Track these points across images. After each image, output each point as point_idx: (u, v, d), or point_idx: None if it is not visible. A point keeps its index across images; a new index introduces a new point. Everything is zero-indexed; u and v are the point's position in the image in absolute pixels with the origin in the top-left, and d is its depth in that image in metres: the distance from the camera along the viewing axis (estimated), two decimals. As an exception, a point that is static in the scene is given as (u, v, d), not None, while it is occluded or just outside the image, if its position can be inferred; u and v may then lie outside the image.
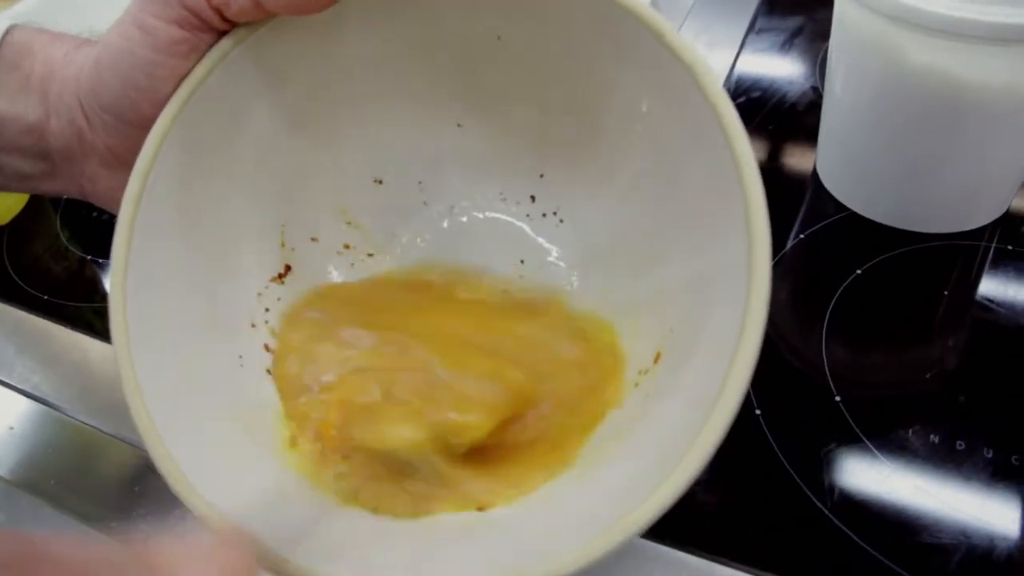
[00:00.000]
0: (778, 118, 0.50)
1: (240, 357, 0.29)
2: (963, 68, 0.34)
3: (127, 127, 0.27)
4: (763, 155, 0.48)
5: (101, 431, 0.39)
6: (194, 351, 0.27)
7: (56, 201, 0.54)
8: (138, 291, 0.25)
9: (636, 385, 0.29)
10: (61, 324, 0.44)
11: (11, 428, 0.39)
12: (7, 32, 0.27)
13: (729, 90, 0.53)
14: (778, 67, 0.54)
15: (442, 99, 0.33)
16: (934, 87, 0.35)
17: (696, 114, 0.25)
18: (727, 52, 0.56)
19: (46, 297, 0.46)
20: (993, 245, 0.40)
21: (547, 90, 0.31)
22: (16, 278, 0.48)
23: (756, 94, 0.52)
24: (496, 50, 0.30)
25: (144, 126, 0.26)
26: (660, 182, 0.29)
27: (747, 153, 0.23)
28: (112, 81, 0.26)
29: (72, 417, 0.39)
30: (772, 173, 0.47)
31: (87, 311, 0.46)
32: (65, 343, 0.43)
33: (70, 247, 0.50)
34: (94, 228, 0.51)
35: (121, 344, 0.24)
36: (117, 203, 0.28)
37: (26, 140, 0.28)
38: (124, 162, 0.27)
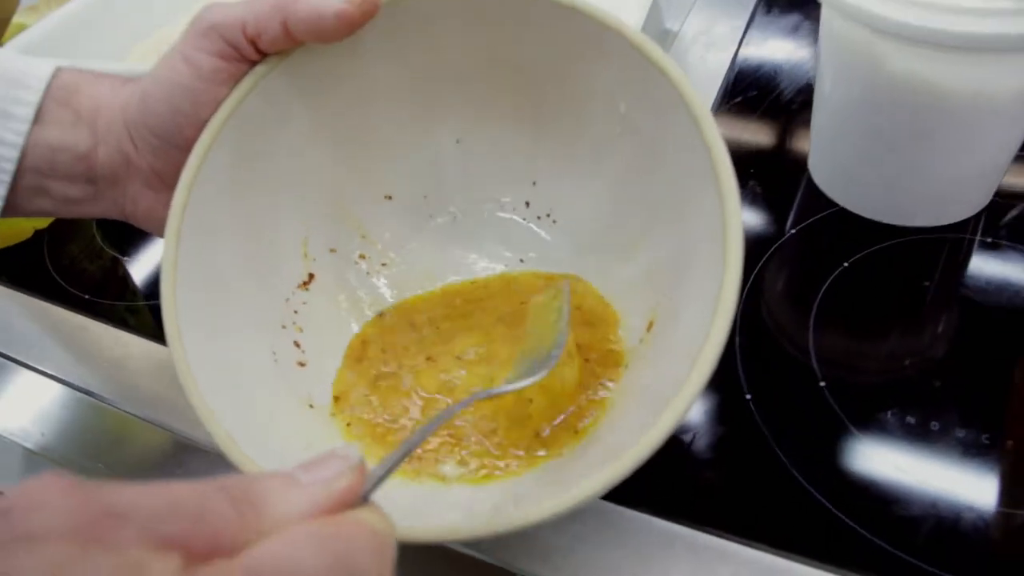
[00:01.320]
0: (775, 115, 0.52)
1: (274, 353, 0.33)
2: (938, 74, 0.36)
3: (172, 148, 0.30)
4: (760, 153, 0.50)
5: (139, 417, 0.42)
6: (234, 346, 0.30)
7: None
8: (184, 290, 0.29)
9: (626, 365, 0.32)
10: (99, 321, 0.47)
11: (59, 416, 0.42)
12: (54, 75, 0.30)
13: (727, 87, 0.55)
14: (776, 65, 0.56)
15: (444, 118, 0.36)
16: (912, 92, 0.37)
17: (667, 105, 0.28)
18: (726, 53, 0.58)
19: (87, 296, 0.49)
20: (976, 238, 0.43)
21: (536, 103, 0.34)
22: (57, 277, 0.51)
23: (753, 93, 0.54)
24: (491, 70, 0.34)
25: (187, 147, 0.29)
26: (642, 172, 0.32)
27: (714, 132, 0.26)
28: (160, 108, 0.29)
29: (113, 406, 0.42)
30: (769, 169, 0.49)
31: (121, 308, 0.49)
32: (104, 338, 0.46)
33: (104, 247, 0.53)
34: (125, 229, 0.54)
35: (174, 337, 0.27)
36: (156, 221, 0.31)
37: (77, 168, 0.31)
38: (166, 183, 0.31)
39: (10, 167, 0.30)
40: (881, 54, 0.37)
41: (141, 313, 0.48)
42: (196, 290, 0.29)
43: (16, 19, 0.69)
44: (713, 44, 0.60)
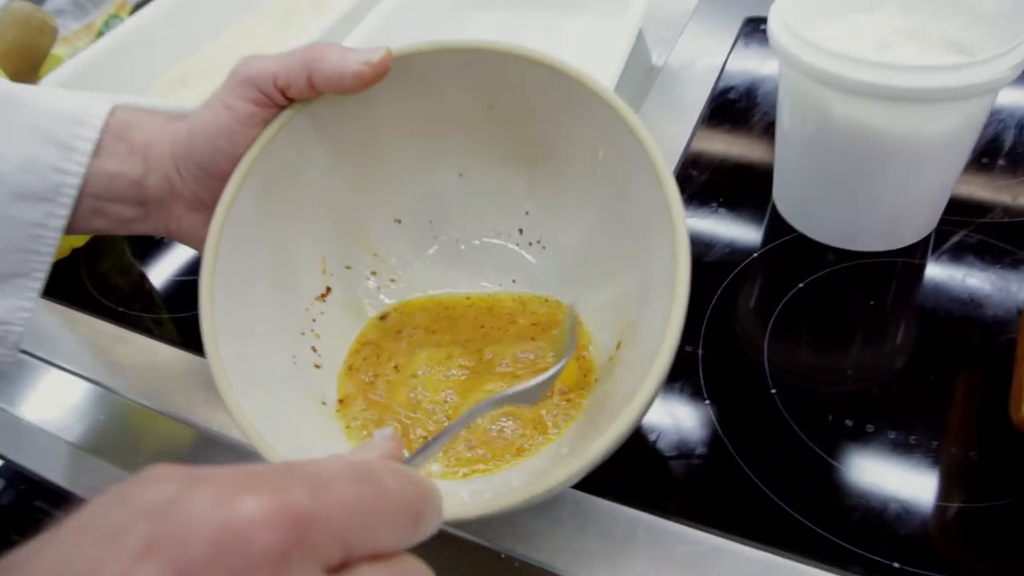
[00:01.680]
0: (747, 147, 0.57)
1: (293, 356, 0.38)
2: (876, 120, 0.41)
3: (211, 178, 0.35)
4: (733, 180, 0.55)
5: (168, 415, 0.47)
6: (260, 349, 0.35)
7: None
8: (219, 300, 0.34)
9: (597, 378, 0.37)
10: (132, 330, 0.52)
11: (96, 415, 0.47)
12: (111, 112, 0.36)
13: (704, 119, 0.60)
14: (750, 100, 0.61)
15: (448, 154, 0.41)
16: (855, 134, 0.42)
17: (634, 155, 0.33)
18: (705, 86, 0.63)
19: (121, 309, 0.54)
20: (921, 262, 0.47)
21: (529, 144, 0.40)
22: (93, 292, 0.56)
23: (728, 125, 0.59)
24: (489, 116, 0.39)
25: (224, 177, 0.35)
26: (616, 210, 0.37)
27: (668, 178, 0.32)
28: (202, 144, 0.35)
29: (145, 405, 0.47)
30: (739, 196, 0.53)
31: (147, 319, 0.54)
32: (137, 346, 0.51)
33: (134, 263, 0.58)
34: (152, 248, 0.60)
35: (210, 342, 0.32)
36: (196, 238, 0.36)
37: (130, 192, 0.36)
38: (205, 206, 0.36)
39: (73, 192, 0.35)
40: (828, 101, 0.42)
41: (165, 324, 0.53)
42: (229, 300, 0.34)
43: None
44: (694, 78, 0.65)
